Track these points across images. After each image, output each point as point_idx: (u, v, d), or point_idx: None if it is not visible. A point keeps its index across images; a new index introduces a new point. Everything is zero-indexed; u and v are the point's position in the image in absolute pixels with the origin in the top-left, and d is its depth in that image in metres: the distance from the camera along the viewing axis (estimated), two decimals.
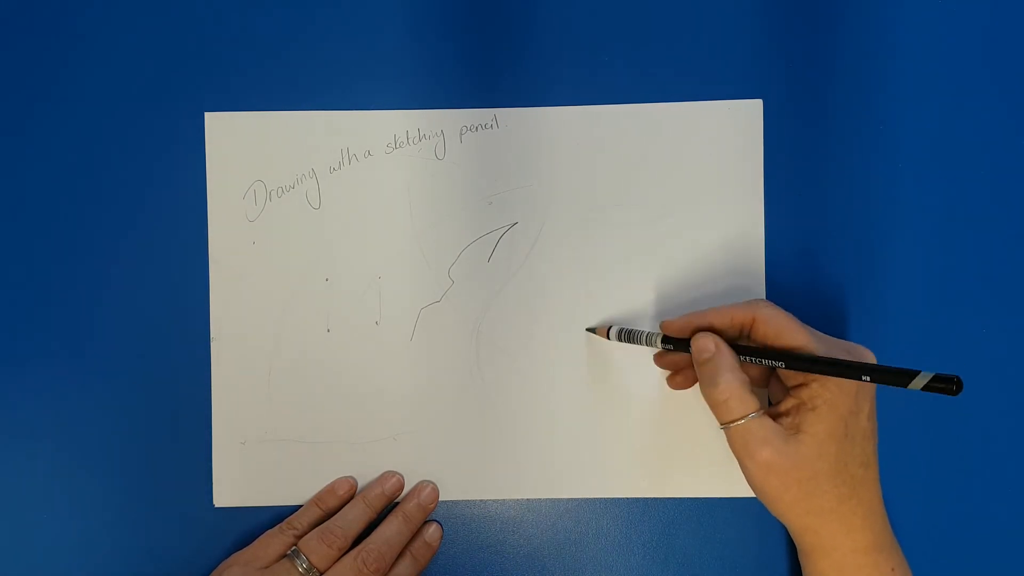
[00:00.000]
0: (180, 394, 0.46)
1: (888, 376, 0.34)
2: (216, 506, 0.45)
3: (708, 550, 0.45)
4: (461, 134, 0.46)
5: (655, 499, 0.45)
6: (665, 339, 0.42)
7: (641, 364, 0.45)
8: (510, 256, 0.46)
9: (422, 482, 0.45)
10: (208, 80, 0.46)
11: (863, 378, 0.35)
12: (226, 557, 0.43)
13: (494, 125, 0.46)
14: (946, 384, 0.33)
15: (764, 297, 0.45)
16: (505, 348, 0.46)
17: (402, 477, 0.45)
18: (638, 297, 0.45)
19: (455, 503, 0.46)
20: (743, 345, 0.40)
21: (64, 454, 0.45)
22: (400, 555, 0.43)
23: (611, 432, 0.45)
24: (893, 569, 0.39)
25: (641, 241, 0.46)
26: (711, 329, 0.40)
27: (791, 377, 0.39)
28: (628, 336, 0.43)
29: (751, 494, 0.45)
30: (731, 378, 0.38)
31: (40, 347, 0.46)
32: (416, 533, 0.44)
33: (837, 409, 0.37)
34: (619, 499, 0.45)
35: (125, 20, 0.46)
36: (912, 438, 0.45)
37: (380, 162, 0.46)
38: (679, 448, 0.45)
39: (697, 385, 0.42)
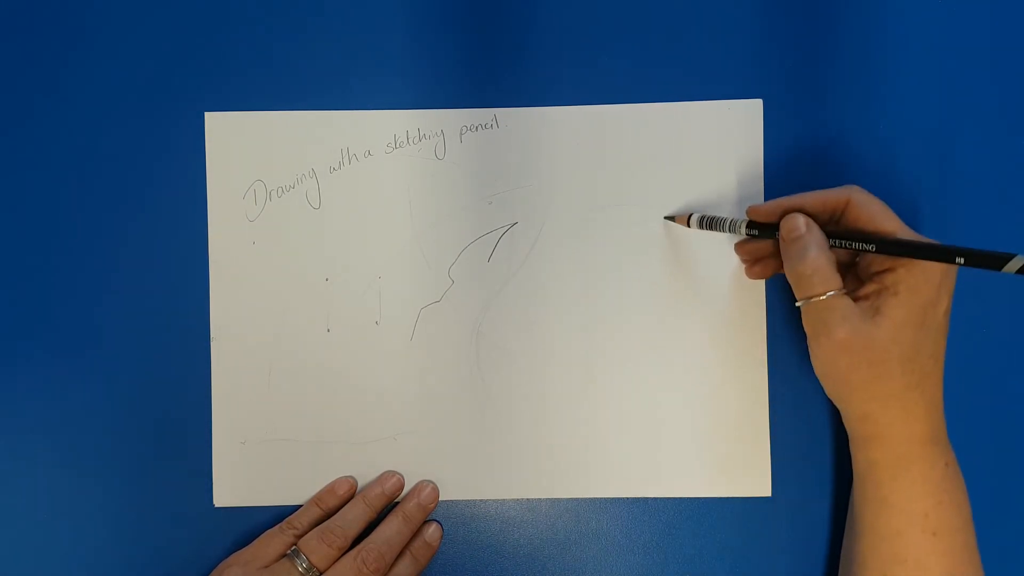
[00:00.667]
0: (180, 394, 0.46)
1: (982, 259, 0.35)
2: (216, 506, 0.45)
3: (708, 550, 0.45)
4: (461, 134, 0.46)
5: (655, 499, 0.45)
6: (750, 224, 0.41)
7: (642, 364, 0.45)
8: (510, 256, 0.46)
9: (422, 482, 0.45)
10: (208, 80, 0.46)
11: (957, 260, 0.35)
12: (226, 557, 0.43)
13: (494, 125, 0.46)
14: None
15: (765, 299, 0.45)
16: (505, 348, 0.46)
17: (402, 477, 0.45)
18: (638, 297, 0.45)
19: (455, 503, 0.46)
20: (834, 229, 0.40)
21: (64, 454, 0.45)
22: (400, 555, 0.43)
23: (611, 432, 0.45)
24: (947, 464, 0.39)
25: (641, 241, 0.46)
26: (801, 211, 0.40)
27: (876, 263, 0.39)
28: (710, 223, 0.43)
29: (751, 494, 0.45)
30: (818, 254, 0.38)
31: (40, 347, 0.46)
32: (416, 533, 0.44)
33: (919, 296, 0.38)
34: (619, 499, 0.45)
35: (125, 20, 0.46)
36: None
37: (380, 162, 0.46)
38: (679, 448, 0.45)
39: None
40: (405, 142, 0.46)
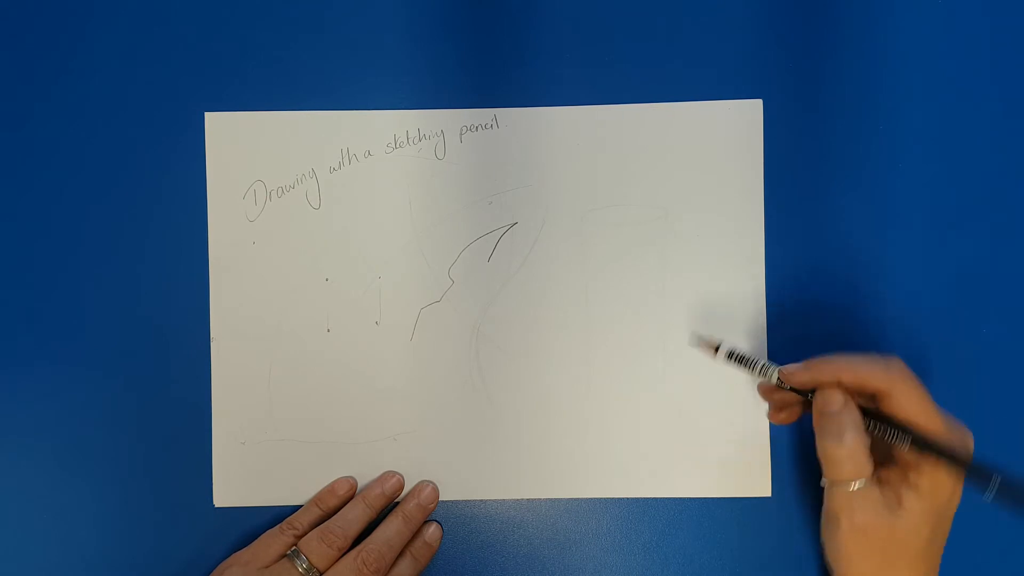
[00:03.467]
0: (180, 394, 0.46)
1: (1012, 492, 0.36)
2: (216, 506, 0.45)
3: (708, 550, 0.45)
4: (461, 134, 0.46)
5: (655, 499, 0.45)
6: (782, 377, 0.40)
7: (642, 365, 0.45)
8: (510, 256, 0.46)
9: (422, 482, 0.45)
10: (208, 80, 0.46)
11: (986, 494, 0.36)
12: (226, 557, 0.43)
13: (494, 125, 0.46)
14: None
15: (765, 300, 0.45)
16: (505, 348, 0.46)
17: (402, 477, 0.45)
18: (638, 297, 0.45)
19: (455, 503, 0.46)
20: (872, 411, 0.39)
21: (64, 454, 0.45)
22: (400, 555, 0.43)
23: (611, 432, 0.45)
24: None
25: (641, 241, 0.46)
26: (839, 383, 0.39)
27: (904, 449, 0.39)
28: (740, 360, 0.42)
29: (751, 494, 0.45)
30: (856, 438, 0.37)
31: (40, 347, 0.46)
32: (416, 533, 0.44)
33: (940, 495, 0.38)
34: (619, 499, 0.45)
35: (125, 20, 0.46)
36: None
37: (380, 162, 0.46)
38: (679, 448, 0.45)
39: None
40: (405, 142, 0.46)
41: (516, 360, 0.46)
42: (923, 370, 0.45)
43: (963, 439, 0.39)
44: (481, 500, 0.46)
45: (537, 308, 0.46)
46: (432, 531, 0.45)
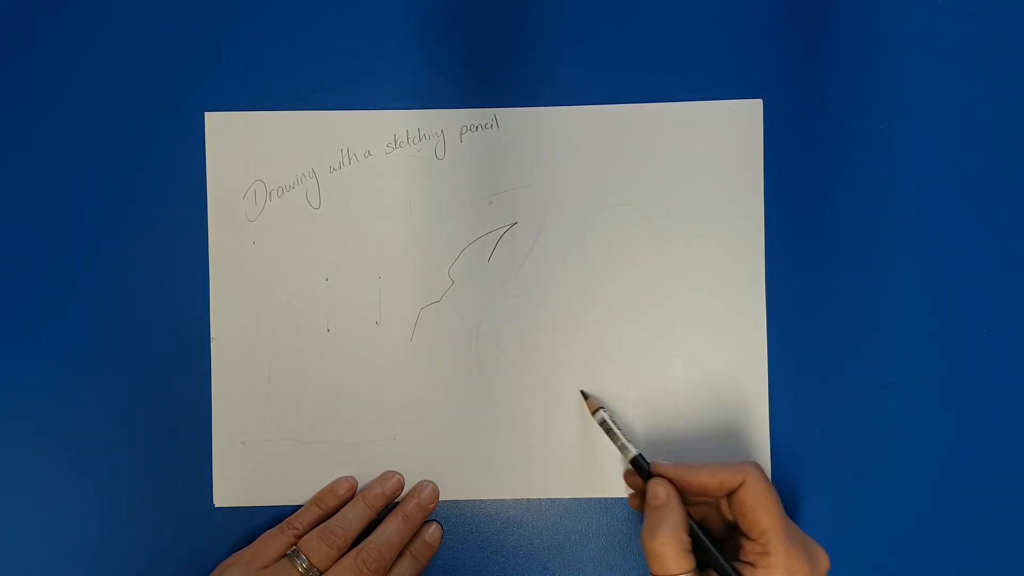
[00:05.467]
0: (180, 394, 0.46)
1: None
2: (216, 506, 0.45)
3: None
4: (461, 134, 0.46)
5: None
6: (635, 461, 0.42)
7: (642, 364, 0.45)
8: (510, 256, 0.46)
9: (422, 482, 0.45)
10: (208, 80, 0.46)
11: None
12: (226, 557, 0.43)
13: (494, 125, 0.46)
14: None
15: (764, 300, 0.45)
16: (505, 348, 0.46)
17: (402, 477, 0.45)
18: (637, 297, 0.45)
19: (455, 503, 0.46)
20: (698, 523, 0.40)
21: (64, 454, 0.45)
22: (400, 555, 0.43)
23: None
24: None
25: (641, 241, 0.46)
26: (699, 485, 0.40)
27: (745, 550, 0.39)
28: (608, 429, 0.43)
29: None
30: (670, 534, 0.38)
31: (40, 347, 0.46)
32: (416, 533, 0.44)
33: None
34: (619, 499, 0.45)
35: (125, 20, 0.46)
36: (915, 437, 0.45)
37: (380, 162, 0.46)
38: (679, 448, 0.45)
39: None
40: (405, 142, 0.46)
41: (516, 360, 0.46)
42: (923, 369, 0.45)
43: (812, 553, 0.39)
44: (481, 500, 0.46)
45: (537, 308, 0.46)
46: (432, 531, 0.45)
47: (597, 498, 0.45)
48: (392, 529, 0.43)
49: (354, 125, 0.46)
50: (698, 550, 0.39)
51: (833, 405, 0.45)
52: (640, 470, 0.42)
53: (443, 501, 0.45)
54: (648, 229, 0.46)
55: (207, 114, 0.46)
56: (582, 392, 0.45)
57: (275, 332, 0.46)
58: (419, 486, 0.45)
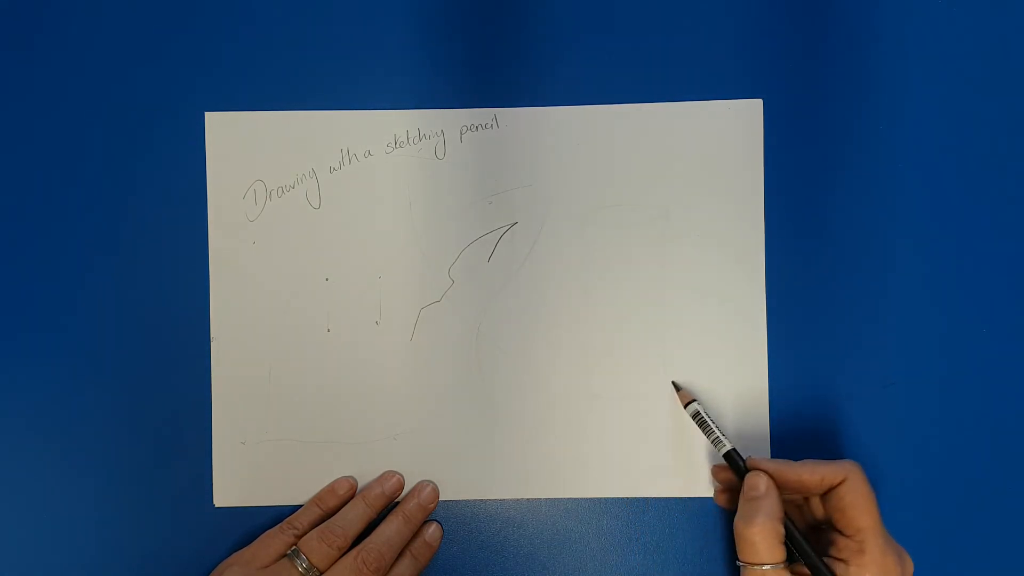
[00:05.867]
0: (180, 394, 0.46)
1: None
2: (216, 506, 0.45)
3: (708, 550, 0.45)
4: (461, 134, 0.46)
5: (655, 499, 0.45)
6: (730, 456, 0.42)
7: (642, 364, 0.45)
8: (510, 256, 0.46)
9: (422, 482, 0.45)
10: (208, 80, 0.46)
11: None
12: (226, 557, 0.43)
13: (494, 125, 0.46)
14: None
15: (764, 300, 0.45)
16: (505, 348, 0.46)
17: (402, 477, 0.45)
18: (638, 297, 0.45)
19: (455, 503, 0.46)
20: (792, 524, 0.40)
21: (64, 454, 0.45)
22: (400, 555, 0.43)
23: (611, 432, 0.45)
24: None
25: (641, 241, 0.46)
26: (799, 482, 0.40)
27: (839, 546, 0.39)
28: (702, 423, 0.43)
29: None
30: (768, 523, 0.38)
31: (40, 347, 0.46)
32: (416, 533, 0.44)
33: None
34: (619, 499, 0.45)
35: (126, 20, 0.46)
36: (915, 437, 0.45)
37: (380, 162, 0.46)
38: (679, 448, 0.45)
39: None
40: (405, 142, 0.46)
41: (516, 360, 0.46)
42: (924, 369, 0.45)
43: (902, 560, 0.39)
44: (481, 500, 0.46)
45: (537, 308, 0.46)
46: (432, 531, 0.45)
47: (598, 498, 0.45)
48: (392, 529, 0.43)
49: (354, 125, 0.46)
50: (788, 544, 0.39)
51: (833, 405, 0.45)
52: (734, 465, 0.42)
53: (443, 501, 0.45)
54: (648, 229, 0.46)
55: (207, 114, 0.46)
56: (673, 383, 0.45)
57: (275, 332, 0.46)
58: (419, 486, 0.45)
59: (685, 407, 0.44)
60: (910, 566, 0.39)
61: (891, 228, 0.45)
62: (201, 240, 0.46)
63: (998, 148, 0.46)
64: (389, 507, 0.45)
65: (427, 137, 0.46)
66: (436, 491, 0.45)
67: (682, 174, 0.46)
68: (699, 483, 0.45)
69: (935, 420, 0.45)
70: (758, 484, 0.40)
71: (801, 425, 0.45)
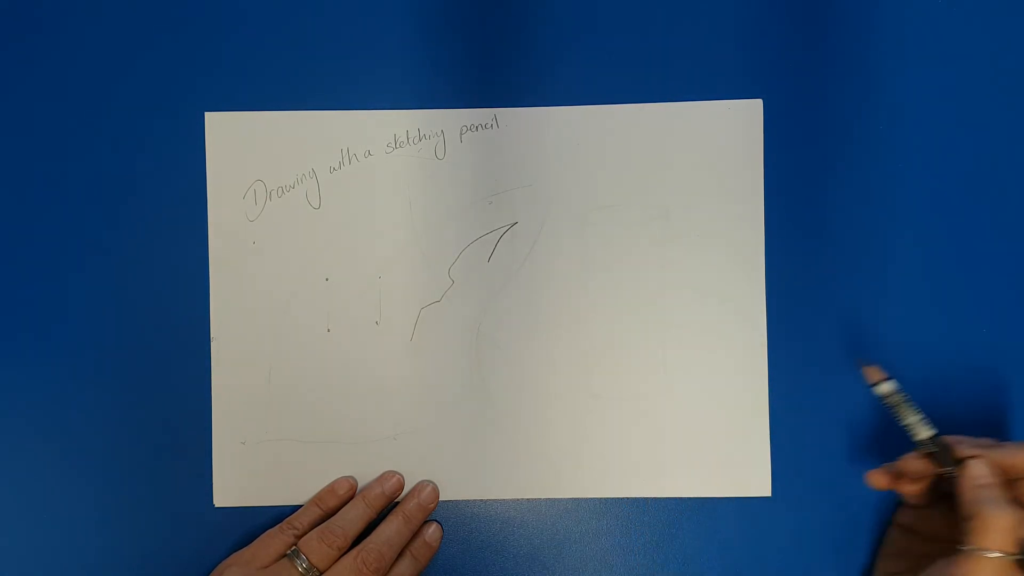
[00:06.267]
0: (180, 394, 0.46)
1: None
2: (216, 506, 0.45)
3: (708, 550, 0.45)
4: (461, 134, 0.46)
5: (655, 499, 0.45)
6: (934, 440, 0.39)
7: (642, 364, 0.45)
8: (510, 256, 0.46)
9: (422, 482, 0.45)
10: (208, 80, 0.46)
11: None
12: (226, 557, 0.43)
13: (494, 125, 0.46)
14: None
15: (765, 300, 0.45)
16: (505, 348, 0.46)
17: (402, 477, 0.45)
18: (638, 297, 0.45)
19: (455, 503, 0.46)
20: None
21: (64, 454, 0.45)
22: (400, 555, 0.43)
23: (611, 432, 0.45)
24: None
25: (641, 241, 0.46)
26: (1015, 467, 0.38)
27: None
28: (897, 403, 0.40)
29: (751, 494, 0.45)
30: (1007, 508, 0.36)
31: (40, 347, 0.46)
32: (416, 533, 0.44)
33: None
34: (619, 499, 0.45)
35: (126, 20, 0.46)
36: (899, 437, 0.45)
37: (380, 162, 0.46)
38: (679, 448, 0.45)
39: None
40: (405, 142, 0.46)
41: (516, 360, 0.46)
42: (924, 368, 0.45)
43: None
44: (481, 500, 0.46)
45: (537, 308, 0.46)
46: (432, 531, 0.45)
47: (597, 498, 0.45)
48: (392, 529, 0.43)
49: (354, 125, 0.46)
50: None
51: (833, 405, 0.45)
52: (942, 454, 0.39)
53: (443, 501, 0.45)
54: (648, 229, 0.46)
55: (207, 114, 0.46)
56: (858, 360, 0.42)
57: (275, 332, 0.46)
58: (419, 486, 0.45)
59: (874, 386, 0.40)
60: None
61: (891, 228, 0.45)
62: (201, 240, 0.46)
63: (998, 148, 0.46)
64: (389, 507, 0.45)
65: (427, 137, 0.46)
66: (436, 491, 0.45)
67: (682, 174, 0.46)
68: (699, 483, 0.45)
69: (935, 420, 0.45)
70: (984, 473, 0.37)
71: (801, 425, 0.45)
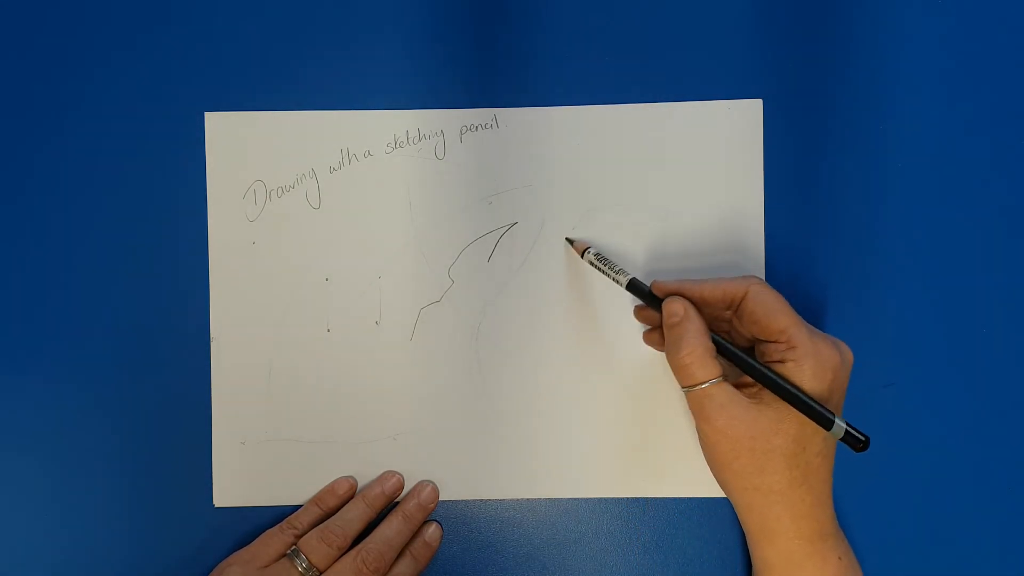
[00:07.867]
0: (180, 394, 0.46)
1: (813, 414, 0.37)
2: (216, 506, 0.45)
3: (708, 550, 0.45)
4: (461, 134, 0.46)
5: (655, 499, 0.45)
6: (632, 285, 0.42)
7: (643, 363, 0.45)
8: (510, 256, 0.46)
9: (422, 482, 0.45)
10: (208, 80, 0.46)
11: (824, 412, 0.37)
12: (226, 557, 0.43)
13: (494, 125, 0.46)
14: (854, 441, 0.37)
15: None
16: (505, 348, 0.46)
17: (402, 477, 0.45)
18: (637, 297, 0.45)
19: (455, 503, 0.46)
20: (719, 337, 0.40)
21: (64, 454, 0.45)
22: (400, 555, 0.44)
23: (611, 432, 0.45)
24: (840, 558, 0.40)
25: (641, 241, 0.46)
26: (701, 299, 0.40)
27: (768, 352, 0.39)
28: (601, 261, 0.43)
29: None
30: (695, 343, 0.38)
31: (40, 347, 0.46)
32: (416, 533, 0.44)
33: (806, 393, 0.38)
34: (619, 499, 0.45)
35: (125, 20, 0.46)
36: (915, 437, 0.45)
37: (380, 162, 0.46)
38: (679, 448, 0.45)
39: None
40: (405, 142, 0.46)
41: (516, 360, 0.46)
42: (925, 365, 0.45)
43: (839, 349, 0.39)
44: (481, 500, 0.46)
45: (537, 308, 0.46)
46: (432, 531, 0.45)
47: (597, 498, 0.45)
48: (392, 529, 0.43)
49: (354, 125, 0.46)
50: (722, 359, 0.39)
51: None
52: (642, 294, 0.41)
53: (443, 501, 0.45)
54: (648, 229, 0.46)
55: (207, 114, 0.46)
56: (567, 240, 0.45)
57: (275, 332, 0.46)
58: (419, 486, 0.45)
59: (582, 255, 0.44)
60: (849, 354, 0.39)
61: (891, 228, 0.45)
62: (201, 240, 0.46)
63: (998, 148, 0.46)
64: (389, 507, 0.45)
65: (427, 137, 0.46)
66: (436, 491, 0.45)
67: (682, 174, 0.46)
68: (700, 483, 0.45)
69: (935, 420, 0.45)
70: (676, 310, 0.39)
71: None
